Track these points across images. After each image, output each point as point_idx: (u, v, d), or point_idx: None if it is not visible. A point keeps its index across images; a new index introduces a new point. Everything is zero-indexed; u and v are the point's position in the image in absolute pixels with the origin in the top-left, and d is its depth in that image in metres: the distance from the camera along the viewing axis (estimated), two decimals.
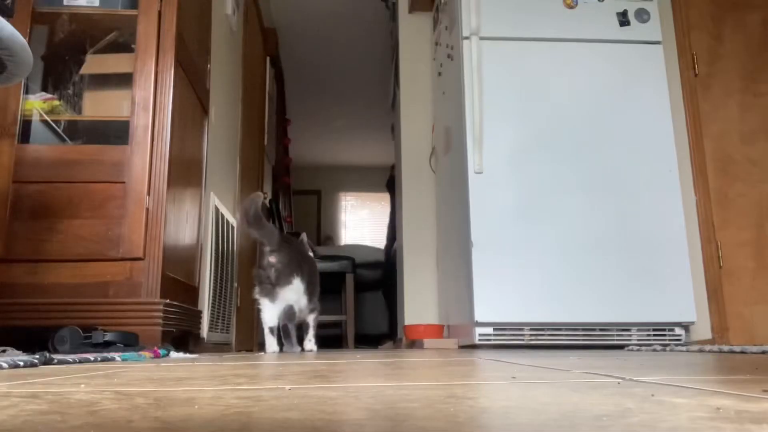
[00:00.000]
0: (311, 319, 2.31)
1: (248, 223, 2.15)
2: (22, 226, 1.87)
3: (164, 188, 1.93)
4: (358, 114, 6.72)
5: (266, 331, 2.17)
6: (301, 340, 2.34)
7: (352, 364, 1.19)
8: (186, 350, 2.02)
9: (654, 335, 2.51)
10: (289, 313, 2.13)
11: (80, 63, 2.17)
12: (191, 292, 2.31)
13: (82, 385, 0.71)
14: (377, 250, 4.98)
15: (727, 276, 2.97)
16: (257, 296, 2.16)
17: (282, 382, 0.74)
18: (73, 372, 0.98)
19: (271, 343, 2.16)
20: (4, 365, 1.04)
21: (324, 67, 5.76)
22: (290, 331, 2.18)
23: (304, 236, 2.50)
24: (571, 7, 2.78)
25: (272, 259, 2.13)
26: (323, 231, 8.29)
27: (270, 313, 2.15)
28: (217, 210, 2.79)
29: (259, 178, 4.32)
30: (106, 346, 1.68)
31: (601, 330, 2.50)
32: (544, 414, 0.44)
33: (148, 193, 1.92)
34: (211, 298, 2.64)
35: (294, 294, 2.15)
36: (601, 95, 2.72)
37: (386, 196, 8.03)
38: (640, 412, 0.44)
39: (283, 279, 2.13)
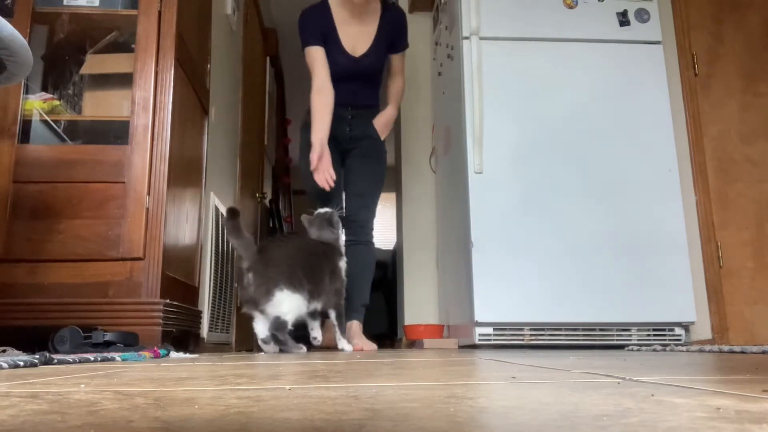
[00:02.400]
0: (333, 316, 2.16)
1: (227, 231, 2.09)
2: (22, 226, 1.87)
3: (164, 188, 1.93)
4: None
5: (260, 342, 2.09)
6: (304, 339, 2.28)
7: (352, 364, 1.19)
8: (186, 350, 2.02)
9: (654, 335, 2.51)
10: (276, 323, 2.01)
11: (80, 63, 2.17)
12: (191, 292, 2.31)
13: (82, 385, 0.71)
14: (377, 250, 4.97)
15: (727, 276, 2.97)
16: (246, 311, 2.08)
17: (282, 382, 0.74)
18: (73, 372, 0.98)
19: (267, 349, 2.09)
20: (4, 365, 1.04)
21: None
22: (282, 338, 2.03)
23: (333, 213, 2.26)
24: (571, 7, 2.78)
25: (249, 276, 2.02)
26: None
27: (261, 326, 2.05)
28: (217, 210, 2.80)
29: (259, 178, 4.32)
30: (106, 346, 1.68)
31: (601, 330, 2.50)
32: (543, 414, 0.44)
33: (148, 193, 1.92)
34: (211, 298, 2.64)
35: (279, 306, 2.01)
36: (601, 95, 2.72)
37: (386, 196, 8.02)
38: (639, 412, 0.44)
39: (262, 297, 2.00)
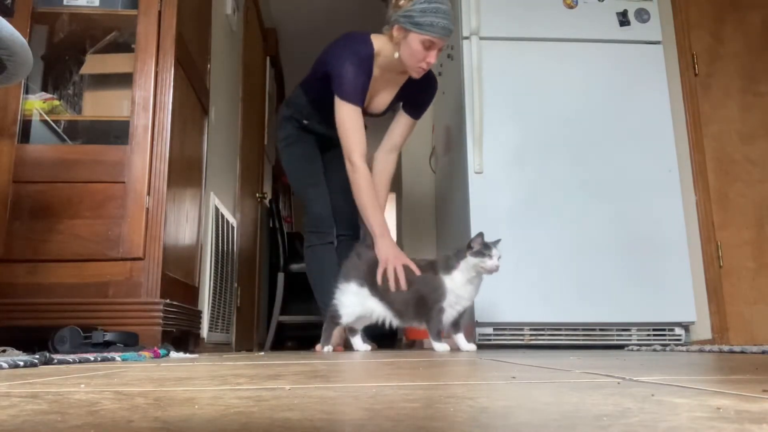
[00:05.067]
0: (426, 326, 2.09)
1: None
2: (22, 226, 1.87)
3: (164, 188, 1.93)
4: None
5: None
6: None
7: (352, 364, 1.19)
8: (186, 350, 2.02)
9: (654, 335, 2.51)
10: (332, 310, 2.11)
11: (80, 63, 2.17)
12: (191, 292, 2.31)
13: (82, 385, 0.71)
14: None
15: (727, 276, 2.97)
16: None
17: (282, 382, 0.74)
18: (73, 372, 0.98)
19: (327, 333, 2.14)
20: (4, 365, 1.04)
21: None
22: (326, 325, 2.12)
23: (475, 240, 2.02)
24: (571, 7, 2.78)
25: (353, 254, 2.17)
26: None
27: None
28: (217, 210, 2.80)
29: (259, 178, 4.32)
30: (106, 346, 1.68)
31: (601, 330, 2.50)
32: (544, 414, 0.44)
33: (148, 193, 1.92)
34: (211, 298, 2.64)
35: (341, 295, 2.09)
36: (601, 95, 2.72)
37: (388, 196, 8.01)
38: (640, 412, 0.44)
39: (341, 277, 2.13)
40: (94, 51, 2.18)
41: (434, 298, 2.04)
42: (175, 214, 2.06)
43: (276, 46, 5.09)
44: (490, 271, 2.01)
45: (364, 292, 2.08)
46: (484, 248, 2.00)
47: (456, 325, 2.11)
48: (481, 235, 2.02)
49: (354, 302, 2.08)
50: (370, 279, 2.09)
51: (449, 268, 2.04)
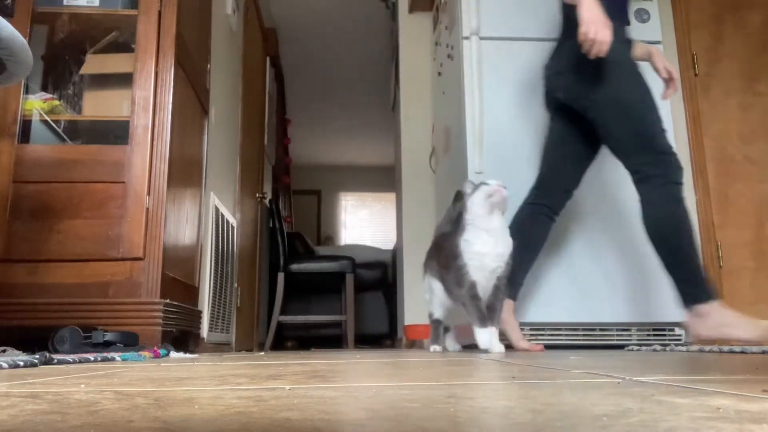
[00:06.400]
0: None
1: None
2: (22, 226, 1.87)
3: (164, 188, 1.93)
4: (358, 114, 6.73)
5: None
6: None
7: (352, 364, 1.19)
8: (186, 350, 2.02)
9: (654, 335, 2.51)
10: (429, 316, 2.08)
11: (80, 63, 2.17)
12: (191, 292, 2.31)
13: (82, 385, 0.71)
14: (377, 250, 4.99)
15: (727, 276, 2.97)
16: None
17: (282, 382, 0.74)
18: (73, 372, 0.98)
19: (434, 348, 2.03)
20: (4, 365, 1.04)
21: (324, 67, 5.77)
22: (432, 333, 2.04)
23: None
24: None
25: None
26: (323, 231, 8.30)
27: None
28: (217, 210, 2.80)
29: (259, 178, 4.32)
30: (106, 346, 1.68)
31: (601, 330, 2.50)
32: (544, 414, 0.44)
33: (148, 193, 1.92)
34: (211, 298, 2.64)
35: (428, 292, 2.04)
36: None
37: (386, 196, 8.04)
38: (640, 412, 0.44)
39: (424, 273, 2.09)
40: (94, 51, 2.18)
41: (454, 261, 1.78)
42: (175, 214, 2.06)
43: (276, 46, 5.09)
44: (493, 195, 1.75)
45: (429, 278, 2.03)
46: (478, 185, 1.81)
47: (490, 309, 1.74)
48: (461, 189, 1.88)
49: (436, 291, 2.01)
50: (431, 259, 2.03)
51: (461, 229, 1.81)
